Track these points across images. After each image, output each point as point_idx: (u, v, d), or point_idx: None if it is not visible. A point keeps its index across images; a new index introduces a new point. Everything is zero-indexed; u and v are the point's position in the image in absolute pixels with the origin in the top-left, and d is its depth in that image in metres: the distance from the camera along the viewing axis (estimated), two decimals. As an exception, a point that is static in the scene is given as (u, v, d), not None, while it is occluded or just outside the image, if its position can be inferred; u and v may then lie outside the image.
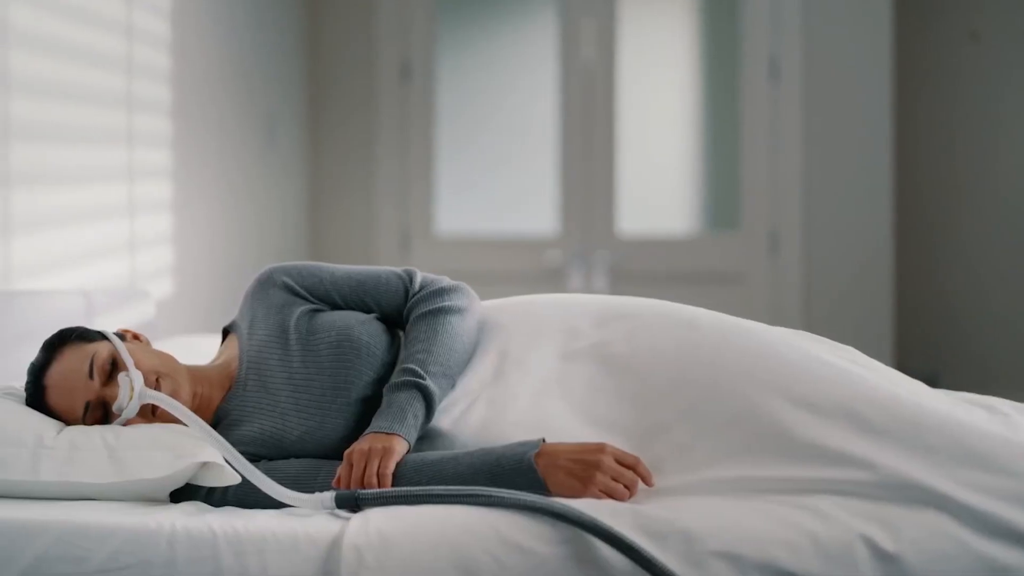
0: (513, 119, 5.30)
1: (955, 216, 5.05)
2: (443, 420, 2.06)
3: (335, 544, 1.82)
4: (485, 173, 5.33)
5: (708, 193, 5.29)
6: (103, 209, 3.36)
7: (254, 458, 2.07)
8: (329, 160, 5.18)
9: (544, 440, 1.93)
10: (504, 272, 5.15)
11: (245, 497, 2.00)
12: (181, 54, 3.79)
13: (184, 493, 2.04)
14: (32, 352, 2.57)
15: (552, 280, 5.14)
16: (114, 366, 2.10)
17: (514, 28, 5.32)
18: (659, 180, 5.25)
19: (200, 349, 2.71)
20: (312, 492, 1.95)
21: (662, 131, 5.25)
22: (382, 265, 2.70)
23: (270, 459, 2.08)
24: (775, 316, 4.74)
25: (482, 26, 5.33)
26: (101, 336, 2.15)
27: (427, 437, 2.05)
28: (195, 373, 2.17)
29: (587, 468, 1.88)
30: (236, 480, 1.98)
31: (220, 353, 2.25)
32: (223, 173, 4.19)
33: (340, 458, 2.05)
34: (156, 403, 2.03)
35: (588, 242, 5.18)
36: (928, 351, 5.02)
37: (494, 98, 5.32)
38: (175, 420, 2.07)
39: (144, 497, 2.01)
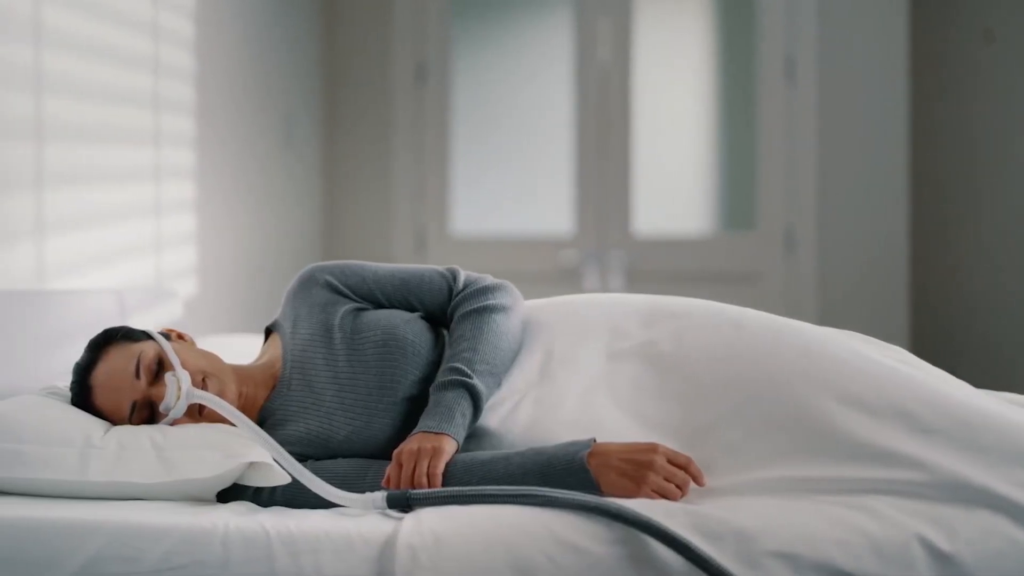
0: (529, 119, 5.30)
1: (971, 215, 5.06)
2: (490, 419, 2.06)
3: (389, 544, 1.81)
4: (500, 173, 5.33)
5: (724, 193, 5.29)
6: (130, 209, 3.36)
7: (301, 458, 2.07)
8: (345, 161, 5.18)
9: (595, 440, 1.93)
10: (519, 272, 5.12)
11: (293, 497, 2.00)
12: (205, 54, 3.79)
13: (230, 493, 2.04)
14: (69, 351, 2.58)
15: (568, 280, 5.14)
16: (160, 366, 2.10)
17: (530, 28, 5.32)
18: (675, 180, 5.26)
19: (232, 348, 2.71)
20: (360, 492, 1.94)
21: (678, 131, 5.25)
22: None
23: (316, 459, 2.08)
24: (791, 315, 4.70)
25: (497, 27, 5.33)
26: (146, 336, 2.15)
27: (474, 436, 2.05)
28: (239, 373, 2.17)
29: (639, 468, 1.88)
30: (284, 480, 1.98)
31: (263, 352, 2.25)
32: (244, 173, 4.19)
33: (386, 457, 2.05)
34: (204, 403, 2.02)
35: (603, 242, 5.18)
36: (945, 349, 5.02)
37: (509, 98, 5.32)
38: (221, 420, 2.07)
39: (191, 497, 2.01)
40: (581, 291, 5.03)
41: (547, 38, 5.27)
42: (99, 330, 2.63)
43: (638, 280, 5.11)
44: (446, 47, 5.23)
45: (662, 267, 5.14)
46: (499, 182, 5.33)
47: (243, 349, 2.70)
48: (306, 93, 4.85)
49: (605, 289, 5.11)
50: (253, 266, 4.23)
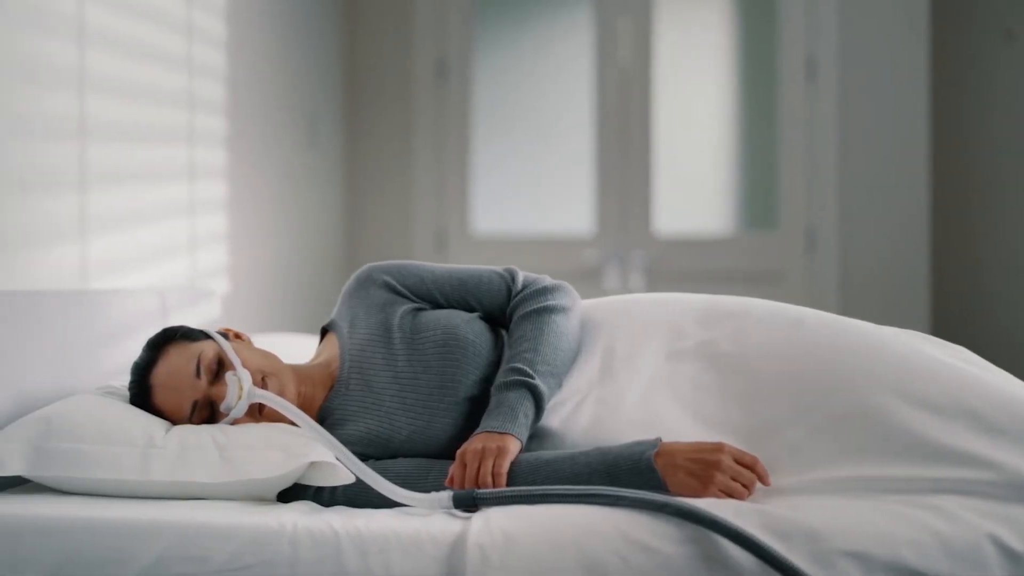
0: (549, 118, 5.30)
1: (992, 214, 5.06)
2: (552, 419, 2.06)
3: (458, 543, 1.81)
4: (521, 172, 5.32)
5: (745, 192, 5.28)
6: (166, 208, 3.36)
7: (362, 458, 2.07)
8: (366, 159, 5.17)
9: (660, 439, 1.93)
10: (540, 272, 5.12)
11: (355, 497, 2.00)
12: (236, 54, 3.79)
13: (290, 492, 2.04)
14: (115, 351, 2.58)
15: (588, 280, 5.13)
16: (220, 365, 2.10)
17: (550, 27, 5.32)
18: (696, 179, 5.25)
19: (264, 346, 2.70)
20: (422, 491, 1.95)
21: (698, 130, 5.25)
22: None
23: (377, 459, 2.08)
24: (813, 315, 4.71)
25: (518, 25, 5.33)
26: (204, 335, 2.15)
27: (536, 436, 2.05)
28: (298, 372, 2.17)
29: (707, 468, 1.88)
30: (346, 480, 1.98)
31: (319, 352, 2.25)
32: (271, 173, 4.19)
33: (446, 457, 2.05)
34: (265, 402, 2.02)
35: (624, 241, 5.17)
36: (967, 348, 5.01)
37: (530, 97, 5.31)
38: (281, 419, 2.07)
39: (252, 497, 2.01)
40: (602, 291, 5.03)
41: (567, 37, 5.27)
42: (144, 330, 2.64)
43: (659, 280, 5.11)
44: (467, 45, 5.23)
45: (683, 267, 5.14)
46: (520, 181, 5.33)
47: (273, 348, 2.69)
48: (328, 91, 4.84)
49: (626, 289, 5.11)
50: (278, 265, 4.23)
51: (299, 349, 2.78)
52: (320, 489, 2.03)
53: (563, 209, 5.29)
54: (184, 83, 3.43)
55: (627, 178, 5.17)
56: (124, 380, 2.24)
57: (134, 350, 2.63)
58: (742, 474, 1.88)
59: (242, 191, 3.89)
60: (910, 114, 4.93)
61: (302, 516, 1.89)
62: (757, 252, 5.12)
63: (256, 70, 4.02)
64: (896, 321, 4.85)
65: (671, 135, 5.17)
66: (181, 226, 3.44)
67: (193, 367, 2.08)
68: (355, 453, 2.06)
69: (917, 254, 4.92)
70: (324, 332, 2.28)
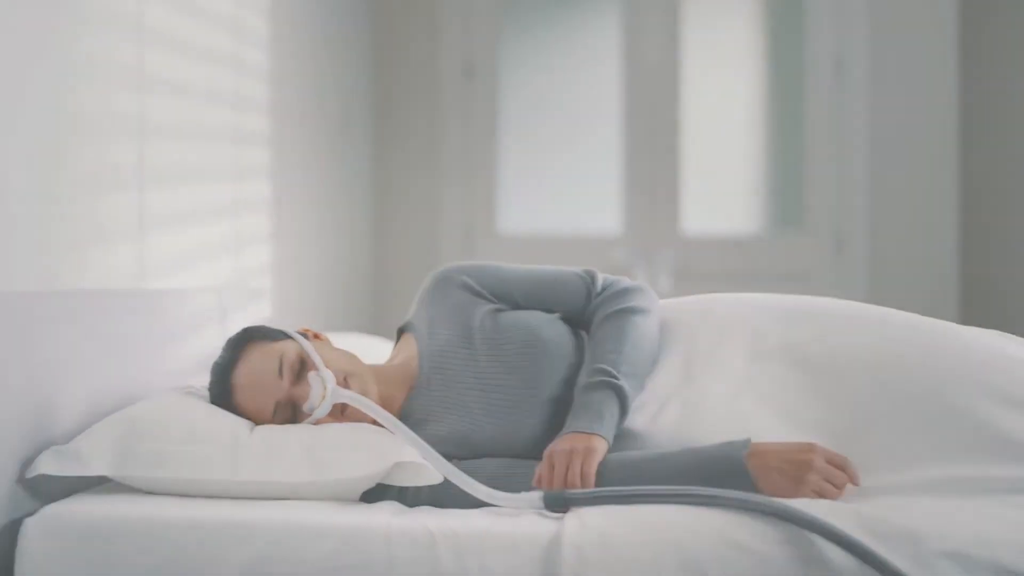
0: (577, 117, 5.29)
1: (1022, 213, 5.06)
2: (636, 421, 2.06)
3: (554, 543, 1.81)
4: (548, 171, 5.32)
5: (773, 192, 5.28)
6: (214, 207, 3.35)
7: (446, 458, 2.06)
8: (394, 158, 5.17)
9: (750, 440, 1.92)
10: (567, 271, 5.12)
11: (440, 497, 1.99)
12: (278, 53, 3.78)
13: (373, 492, 2.03)
14: (178, 350, 2.57)
15: (616, 279, 5.12)
16: (302, 365, 2.09)
17: (577, 25, 5.31)
18: (723, 179, 5.25)
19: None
20: (509, 492, 1.94)
21: (726, 130, 5.25)
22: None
23: (460, 459, 2.08)
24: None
25: (545, 24, 5.32)
26: (284, 335, 2.14)
27: (620, 437, 2.04)
28: (377, 372, 2.16)
29: (799, 468, 1.87)
30: (432, 480, 1.97)
31: (396, 353, 2.24)
32: (308, 172, 4.19)
33: (529, 457, 2.05)
34: (350, 403, 2.02)
35: (652, 241, 5.17)
36: (996, 350, 5.01)
37: (557, 96, 5.30)
38: (362, 419, 2.06)
39: (336, 496, 2.00)
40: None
41: (594, 35, 5.27)
42: (204, 329, 2.64)
43: (687, 280, 5.11)
44: (494, 44, 5.22)
45: (711, 267, 5.14)
46: (547, 180, 5.32)
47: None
48: (358, 92, 4.84)
49: (653, 288, 5.11)
50: (311, 264, 4.23)
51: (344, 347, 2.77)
52: (404, 489, 2.02)
53: (590, 208, 5.28)
54: (232, 82, 3.42)
55: (655, 177, 5.17)
56: (202, 380, 2.24)
57: (196, 349, 2.64)
58: (834, 475, 1.88)
59: (283, 190, 3.88)
60: (938, 113, 4.93)
61: (394, 516, 1.89)
62: (785, 252, 5.12)
63: (295, 70, 4.02)
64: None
65: (699, 134, 5.17)
66: (228, 225, 3.43)
67: (275, 367, 2.08)
68: (440, 453, 2.05)
69: (946, 255, 4.92)
70: (400, 333, 2.27)
